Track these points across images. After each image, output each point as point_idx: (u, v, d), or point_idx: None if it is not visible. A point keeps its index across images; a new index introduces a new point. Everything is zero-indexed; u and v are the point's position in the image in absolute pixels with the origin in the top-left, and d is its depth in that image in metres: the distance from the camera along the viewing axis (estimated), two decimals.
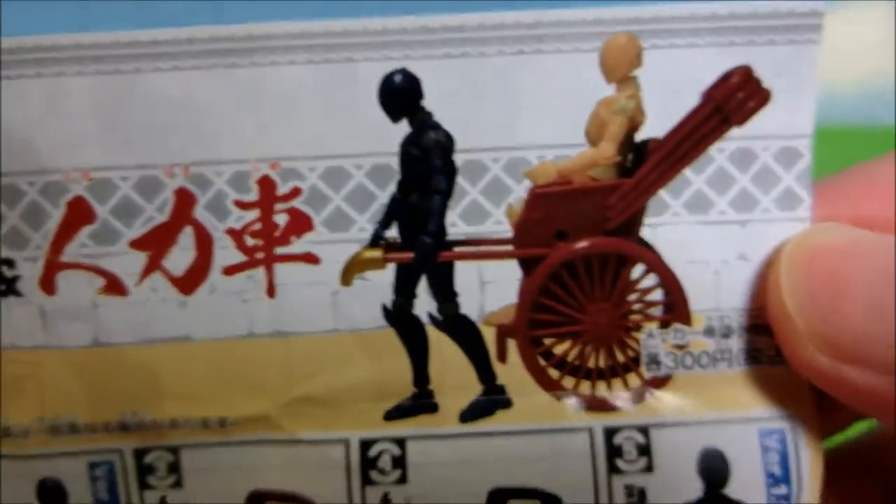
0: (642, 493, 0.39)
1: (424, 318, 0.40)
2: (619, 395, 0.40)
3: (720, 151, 0.40)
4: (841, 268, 0.35)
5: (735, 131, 0.39)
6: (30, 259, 0.40)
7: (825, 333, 0.34)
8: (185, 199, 0.39)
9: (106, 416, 0.40)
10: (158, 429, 0.40)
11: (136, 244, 0.39)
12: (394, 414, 0.40)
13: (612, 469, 0.39)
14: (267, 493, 0.40)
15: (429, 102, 0.39)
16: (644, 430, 0.40)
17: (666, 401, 0.40)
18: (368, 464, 0.40)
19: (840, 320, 0.33)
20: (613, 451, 0.39)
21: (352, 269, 0.40)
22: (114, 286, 0.40)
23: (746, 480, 0.39)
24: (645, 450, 0.39)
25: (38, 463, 0.41)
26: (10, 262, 0.40)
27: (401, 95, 0.39)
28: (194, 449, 0.40)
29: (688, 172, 0.40)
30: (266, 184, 0.39)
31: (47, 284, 0.40)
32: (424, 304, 0.41)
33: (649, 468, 0.39)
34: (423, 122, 0.39)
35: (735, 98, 0.39)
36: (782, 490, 0.39)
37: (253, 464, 0.40)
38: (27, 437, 0.40)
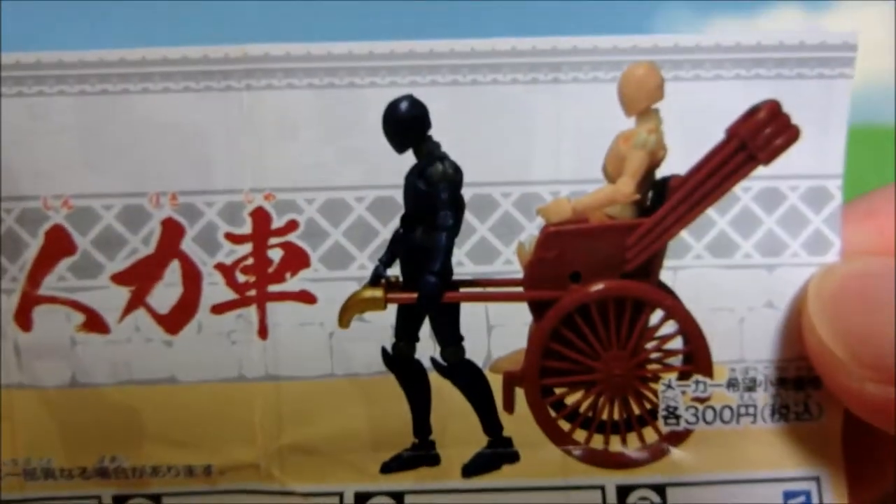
0: None
1: (427, 364, 0.37)
2: (634, 451, 0.37)
3: (745, 191, 0.37)
4: (871, 289, 0.33)
5: (761, 170, 0.36)
6: (5, 291, 0.37)
7: (866, 357, 0.31)
8: (172, 231, 0.36)
9: (83, 460, 0.37)
10: (139, 475, 0.37)
11: (119, 278, 0.36)
12: (392, 465, 0.37)
13: None
14: None
15: (436, 132, 0.36)
16: (660, 489, 0.36)
17: (685, 458, 0.37)
18: None
19: (879, 340, 0.31)
20: None
21: (350, 310, 0.36)
22: (94, 323, 0.37)
23: None
24: None
25: None
26: None
27: (407, 124, 0.35)
28: (177, 497, 0.37)
29: (711, 213, 0.37)
30: (260, 216, 0.36)
31: (23, 319, 0.37)
32: (427, 348, 0.37)
33: None
34: (429, 153, 0.36)
35: (762, 134, 0.36)
36: None
37: None
38: None
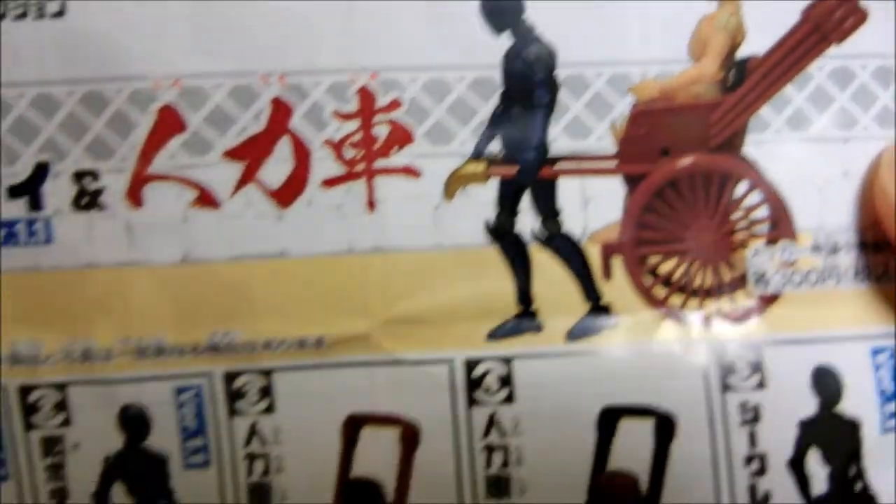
0: (756, 410, 0.37)
1: (527, 237, 0.38)
2: (728, 314, 0.38)
3: (819, 69, 0.38)
4: None
5: (833, 50, 0.38)
6: (115, 170, 0.37)
7: None
8: (281, 109, 0.37)
9: (195, 336, 0.37)
10: (251, 350, 0.37)
11: (231, 154, 0.37)
12: (497, 333, 0.37)
13: (725, 387, 0.37)
14: (366, 416, 0.37)
15: (531, 14, 0.37)
16: (755, 348, 0.38)
17: (776, 319, 0.38)
18: (474, 384, 0.37)
19: None
20: (725, 369, 0.37)
21: (454, 183, 0.37)
22: (205, 198, 0.37)
23: (859, 398, 0.37)
24: (757, 367, 0.38)
25: (122, 388, 0.38)
26: (93, 174, 0.37)
27: (504, 6, 0.37)
28: (289, 371, 0.38)
29: (788, 90, 0.38)
30: (365, 95, 0.37)
31: (134, 197, 0.37)
32: (528, 221, 0.38)
33: (762, 385, 0.37)
34: (525, 35, 0.37)
35: (833, 17, 0.37)
36: (894, 408, 0.38)
37: (351, 386, 0.37)
38: (110, 359, 0.37)
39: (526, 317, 0.38)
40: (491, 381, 0.37)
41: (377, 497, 0.38)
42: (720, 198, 0.39)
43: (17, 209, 0.37)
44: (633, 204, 0.38)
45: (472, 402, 0.37)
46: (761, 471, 0.37)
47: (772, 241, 0.38)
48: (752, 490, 0.37)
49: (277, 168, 0.37)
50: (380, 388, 0.37)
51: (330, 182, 0.37)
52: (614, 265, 0.38)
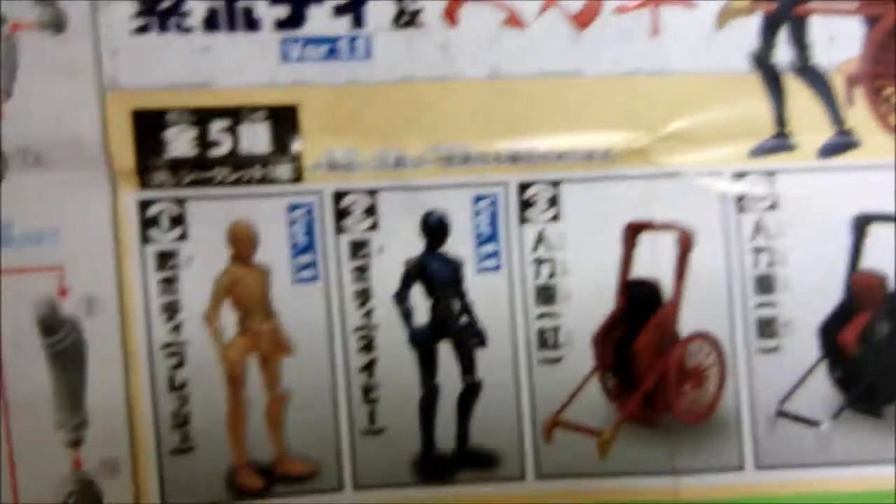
0: None
1: (783, 66, 0.43)
2: None
3: None
4: None
5: None
6: None
7: None
8: None
9: (497, 146, 0.41)
10: (545, 161, 0.42)
11: None
12: (758, 151, 0.42)
13: None
14: (644, 223, 0.42)
15: None
16: None
17: None
18: (740, 194, 0.42)
19: None
20: None
21: (725, 15, 0.42)
22: (514, 20, 0.41)
23: None
24: None
25: (426, 194, 0.41)
26: None
27: None
28: (576, 183, 0.42)
29: None
30: None
31: (451, 16, 0.41)
32: (784, 52, 0.43)
33: None
34: None
35: None
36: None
37: (631, 196, 0.42)
38: (419, 167, 0.41)
39: (782, 137, 0.43)
40: (756, 191, 0.42)
41: (655, 295, 0.42)
42: None
43: (340, 26, 0.41)
44: (870, 41, 0.43)
45: (740, 209, 0.42)
46: None
47: None
48: None
49: None
50: (658, 199, 0.42)
51: (622, 9, 0.41)
52: (856, 94, 0.43)
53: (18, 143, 0.39)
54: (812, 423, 0.42)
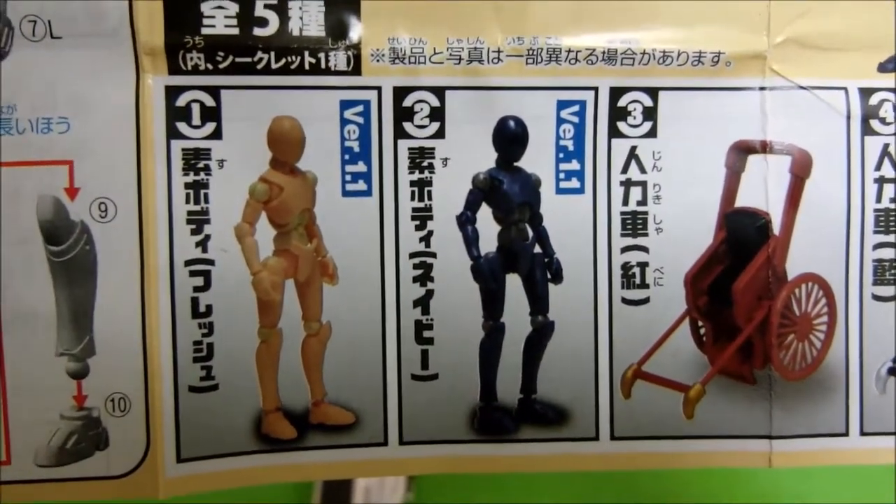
0: None
1: None
2: None
3: None
4: None
5: None
6: None
7: None
8: None
9: (589, 41, 0.40)
10: (646, 62, 0.41)
11: None
12: (889, 66, 0.41)
13: None
14: (754, 144, 0.41)
15: None
16: None
17: None
18: (870, 112, 0.41)
19: None
20: None
21: None
22: None
23: None
24: None
25: (502, 96, 0.41)
26: None
27: None
28: (677, 91, 0.41)
29: None
30: None
31: None
32: None
33: None
34: None
35: None
36: None
37: (741, 110, 0.41)
38: (496, 63, 0.40)
39: None
40: (887, 110, 0.41)
41: (762, 229, 0.41)
42: None
43: None
44: None
45: (866, 130, 0.41)
46: None
47: None
48: None
49: None
50: (771, 115, 0.40)
51: None
52: None
53: (27, 10, 0.36)
54: None
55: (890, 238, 0.42)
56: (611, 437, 0.42)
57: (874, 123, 0.41)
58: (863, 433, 0.42)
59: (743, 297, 0.42)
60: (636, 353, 0.42)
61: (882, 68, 0.42)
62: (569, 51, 0.40)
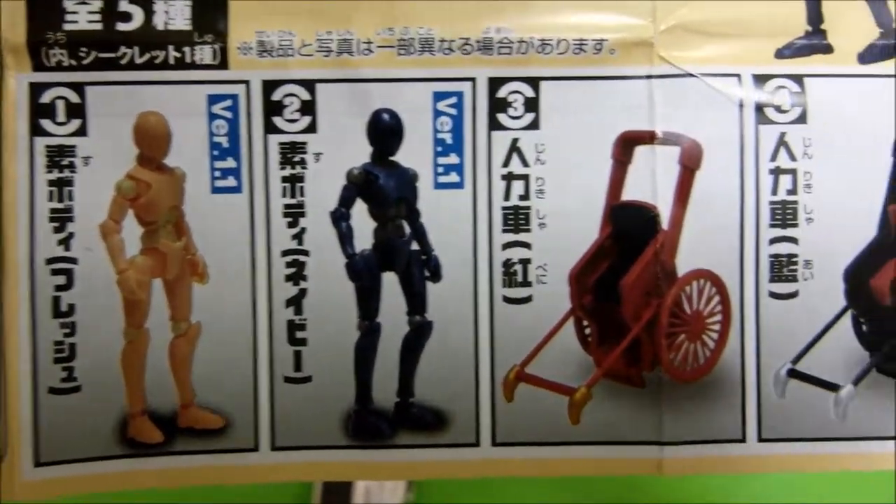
0: None
1: None
2: None
3: None
4: None
5: None
6: None
7: None
8: None
9: (464, 30, 0.40)
10: (524, 51, 0.40)
11: None
12: (786, 52, 0.41)
13: None
14: (641, 134, 0.40)
15: None
16: None
17: None
18: (765, 100, 0.40)
19: None
20: None
21: None
22: None
23: None
24: None
25: (375, 88, 0.41)
26: None
27: None
28: (559, 81, 0.41)
29: None
30: None
31: None
32: None
33: None
34: None
35: None
36: None
37: (627, 100, 0.40)
38: (368, 54, 0.40)
39: (816, 37, 0.41)
40: (782, 97, 0.40)
41: (650, 223, 0.41)
42: None
43: None
44: None
45: (760, 120, 0.40)
46: None
47: None
48: None
49: None
50: (659, 104, 0.40)
51: None
52: None
53: None
54: (830, 386, 0.40)
55: (787, 232, 0.41)
56: (492, 443, 0.41)
57: (769, 111, 0.41)
58: (761, 439, 0.41)
59: (630, 294, 0.41)
60: (519, 355, 0.41)
61: (779, 54, 0.41)
62: (442, 40, 0.40)
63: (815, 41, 0.42)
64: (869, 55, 0.42)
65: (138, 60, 0.40)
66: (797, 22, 0.42)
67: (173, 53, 0.40)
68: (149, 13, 0.40)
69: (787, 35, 0.42)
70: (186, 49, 0.40)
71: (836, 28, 0.42)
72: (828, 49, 0.42)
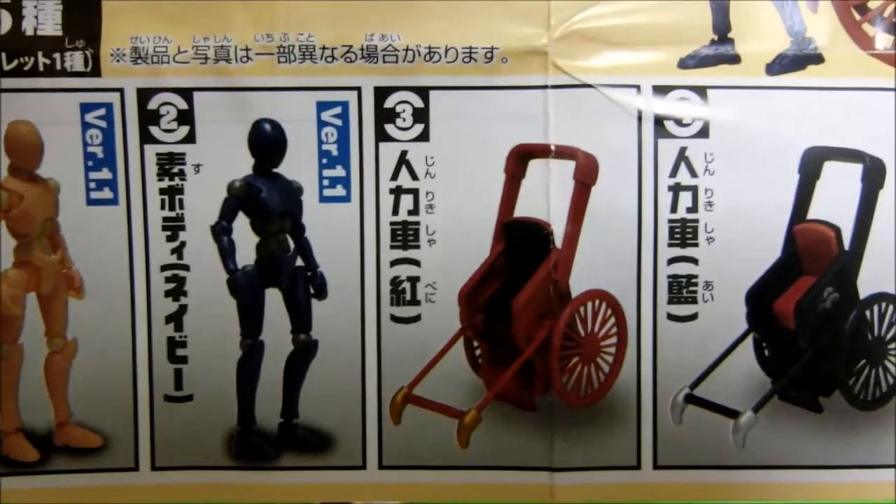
0: None
1: None
2: None
3: None
4: None
5: None
6: None
7: None
8: None
9: (349, 37, 0.40)
10: (410, 60, 0.40)
11: None
12: (690, 62, 0.39)
13: None
14: (535, 148, 0.39)
15: None
16: None
17: None
18: (665, 113, 0.39)
19: None
20: None
21: None
22: None
23: None
24: None
25: (255, 98, 0.40)
26: None
27: None
28: (449, 91, 0.40)
29: None
30: None
31: None
32: None
33: None
34: None
35: None
36: None
37: (520, 111, 0.39)
38: (246, 61, 0.39)
39: (722, 45, 0.40)
40: (683, 110, 0.39)
41: (543, 240, 0.40)
42: None
43: None
44: None
45: (659, 133, 0.39)
46: None
47: None
48: None
49: None
50: (554, 116, 0.39)
51: None
52: None
53: None
54: (729, 412, 0.39)
55: (687, 252, 0.40)
56: (379, 467, 0.41)
57: (669, 125, 0.40)
58: (656, 466, 0.41)
59: (522, 314, 0.41)
60: (407, 376, 0.41)
61: (683, 64, 0.40)
62: (324, 47, 0.39)
63: (721, 50, 0.41)
64: (778, 66, 0.41)
65: (6, 67, 0.39)
66: (703, 30, 0.40)
67: (42, 60, 0.39)
68: (18, 18, 0.39)
69: (693, 44, 0.41)
70: (56, 55, 0.39)
71: (745, 36, 0.41)
72: (734, 59, 0.41)
